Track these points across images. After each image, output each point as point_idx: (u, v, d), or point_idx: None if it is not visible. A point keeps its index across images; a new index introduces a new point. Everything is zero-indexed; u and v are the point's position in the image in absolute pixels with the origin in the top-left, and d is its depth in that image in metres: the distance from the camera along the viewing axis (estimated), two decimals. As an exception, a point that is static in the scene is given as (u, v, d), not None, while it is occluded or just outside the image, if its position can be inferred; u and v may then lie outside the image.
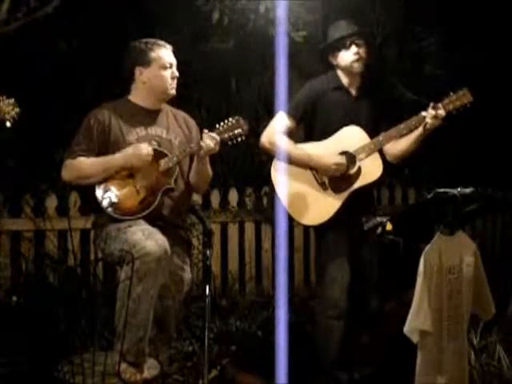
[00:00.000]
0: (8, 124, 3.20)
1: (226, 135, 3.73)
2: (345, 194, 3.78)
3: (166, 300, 3.74)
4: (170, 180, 3.72)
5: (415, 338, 3.33)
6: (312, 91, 3.88)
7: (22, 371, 3.71)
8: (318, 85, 3.91)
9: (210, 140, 3.67)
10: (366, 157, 3.78)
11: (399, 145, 3.85)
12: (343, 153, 3.81)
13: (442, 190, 3.42)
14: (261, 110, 6.19)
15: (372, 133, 3.82)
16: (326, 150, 3.82)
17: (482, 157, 6.65)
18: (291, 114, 3.84)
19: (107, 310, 4.11)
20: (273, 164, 3.88)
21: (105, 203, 3.65)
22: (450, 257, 3.38)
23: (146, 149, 3.67)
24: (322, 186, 3.81)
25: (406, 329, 3.33)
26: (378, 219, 3.63)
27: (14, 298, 4.75)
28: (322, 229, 3.83)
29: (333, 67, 3.91)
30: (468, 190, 3.43)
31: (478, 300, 3.47)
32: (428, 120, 3.66)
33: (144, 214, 3.65)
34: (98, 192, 3.67)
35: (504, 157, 6.64)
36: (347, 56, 3.81)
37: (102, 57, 5.81)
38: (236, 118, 3.77)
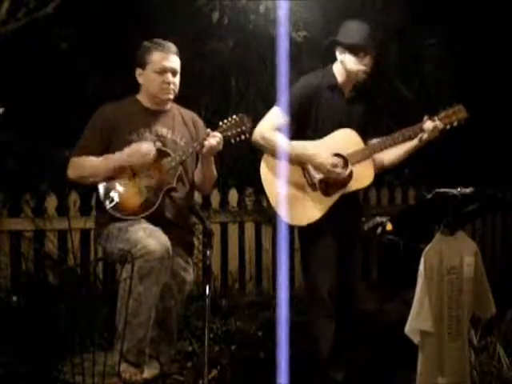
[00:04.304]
0: None
1: (230, 133, 3.70)
2: (334, 197, 3.69)
3: (168, 300, 3.73)
4: (172, 180, 3.70)
5: (416, 339, 3.33)
6: (307, 87, 3.75)
7: (22, 371, 3.71)
8: (313, 81, 3.79)
9: (212, 138, 3.65)
10: (359, 162, 3.70)
11: (388, 155, 3.80)
12: (336, 155, 3.72)
13: (441, 190, 3.42)
14: (261, 110, 6.19)
15: (361, 136, 3.75)
16: (319, 151, 3.72)
17: (481, 157, 6.65)
18: (286, 109, 3.71)
19: (107, 309, 4.12)
20: (262, 160, 3.77)
21: (107, 202, 3.64)
22: (450, 257, 3.38)
23: (146, 147, 3.64)
24: (312, 187, 3.72)
25: (407, 329, 3.33)
26: (378, 219, 3.63)
27: (14, 298, 4.75)
28: (307, 230, 3.74)
29: (328, 63, 3.81)
30: (468, 190, 3.43)
31: (478, 300, 3.47)
32: (425, 132, 3.64)
33: (146, 214, 3.64)
34: (101, 191, 3.66)
35: (504, 157, 6.64)
36: (357, 63, 3.71)
37: (102, 57, 5.81)
38: (240, 115, 3.73)
